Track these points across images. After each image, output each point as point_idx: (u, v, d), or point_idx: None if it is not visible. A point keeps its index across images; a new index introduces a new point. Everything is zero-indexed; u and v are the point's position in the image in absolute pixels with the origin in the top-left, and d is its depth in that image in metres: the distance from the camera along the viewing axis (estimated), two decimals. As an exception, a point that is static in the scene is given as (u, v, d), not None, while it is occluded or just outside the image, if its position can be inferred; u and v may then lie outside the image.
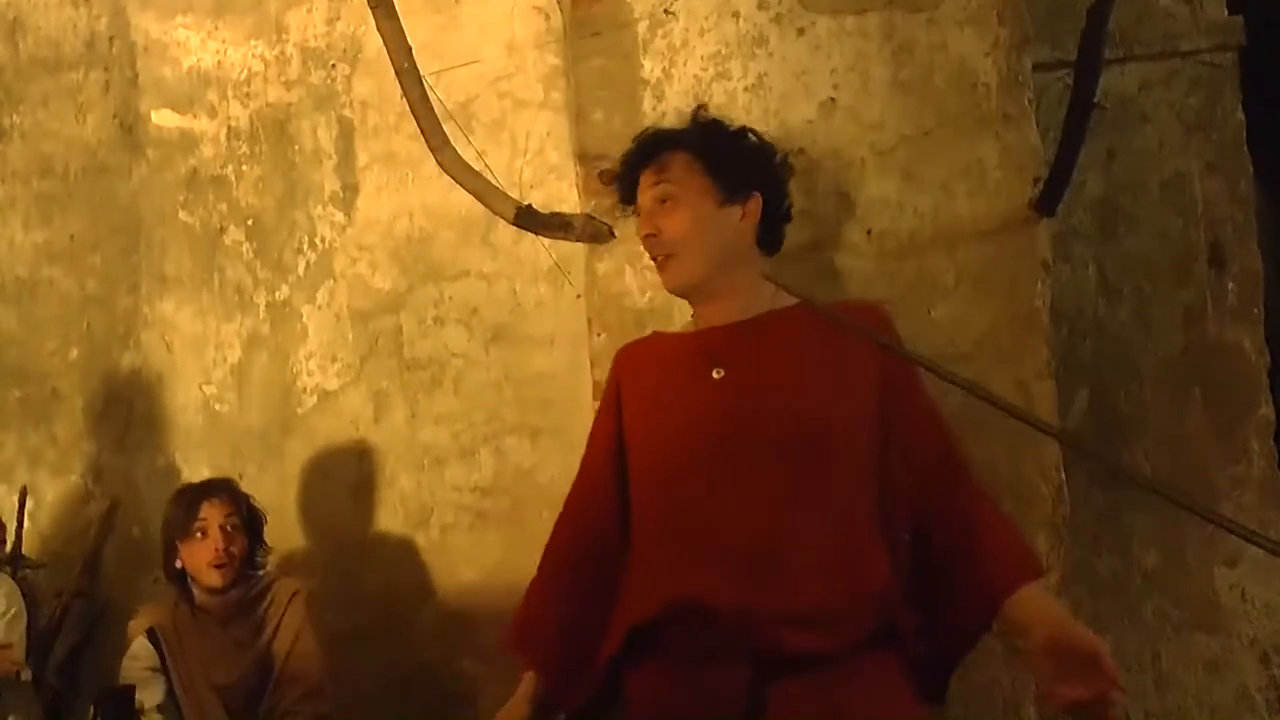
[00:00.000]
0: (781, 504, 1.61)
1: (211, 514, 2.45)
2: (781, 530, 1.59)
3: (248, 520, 2.50)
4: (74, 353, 2.98)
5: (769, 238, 1.79)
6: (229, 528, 2.45)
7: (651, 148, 1.77)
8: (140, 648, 2.44)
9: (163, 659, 2.42)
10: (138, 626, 2.48)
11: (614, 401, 1.80)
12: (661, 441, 1.70)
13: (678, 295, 1.80)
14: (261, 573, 2.54)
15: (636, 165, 1.78)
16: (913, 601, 1.64)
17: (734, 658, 1.55)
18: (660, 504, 1.68)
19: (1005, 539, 1.67)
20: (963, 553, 1.64)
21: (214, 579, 2.43)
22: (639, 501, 1.72)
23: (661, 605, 1.61)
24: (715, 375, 1.68)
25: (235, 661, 2.44)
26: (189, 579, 2.48)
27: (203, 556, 2.43)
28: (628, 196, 1.81)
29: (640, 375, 1.80)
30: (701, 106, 1.87)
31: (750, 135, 1.81)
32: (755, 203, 1.74)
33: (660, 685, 1.63)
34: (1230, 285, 2.64)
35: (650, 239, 1.74)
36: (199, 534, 2.44)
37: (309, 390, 2.85)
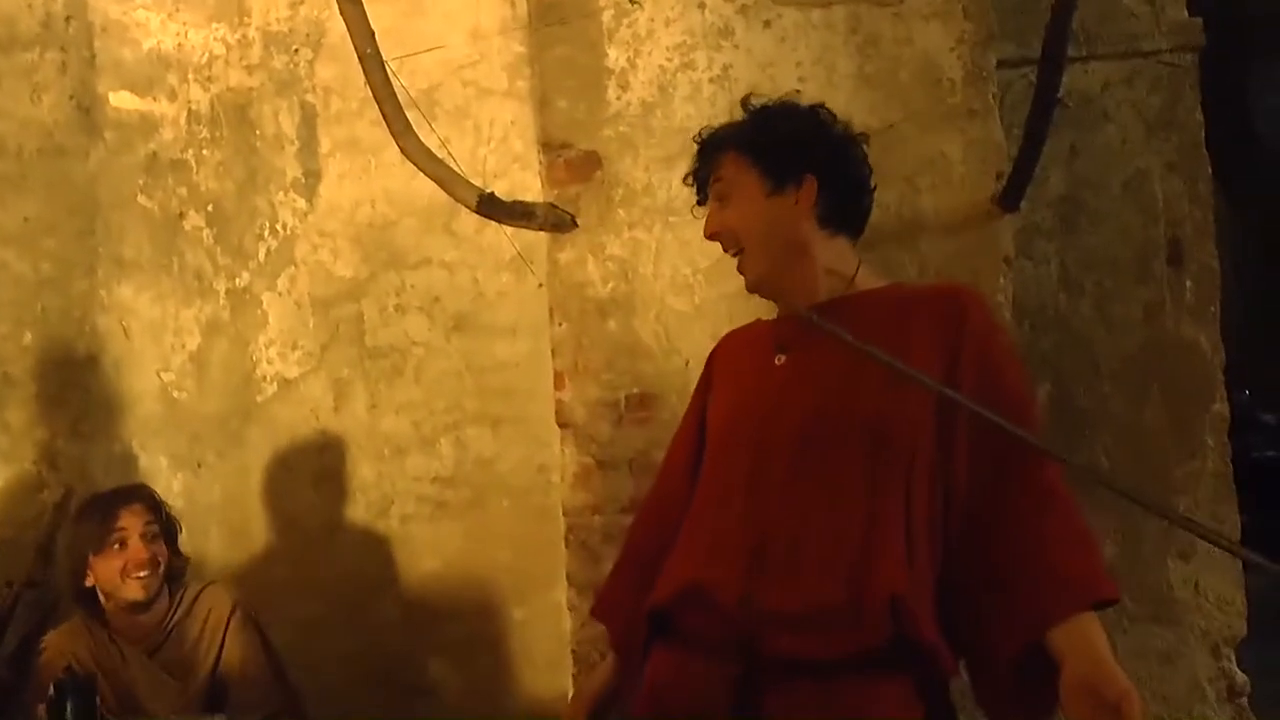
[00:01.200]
0: (808, 497, 1.55)
1: (131, 522, 2.23)
2: (801, 525, 1.54)
3: (165, 528, 2.30)
4: (28, 337, 2.91)
5: (837, 217, 1.68)
6: (149, 536, 2.24)
7: (707, 151, 1.73)
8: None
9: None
10: (51, 665, 2.17)
11: (704, 389, 1.80)
12: (721, 427, 1.70)
13: (756, 293, 1.71)
14: (181, 582, 2.33)
15: (700, 171, 1.74)
16: (956, 617, 1.53)
17: (728, 654, 1.52)
18: (706, 493, 1.67)
19: (1065, 557, 1.50)
20: (1014, 568, 1.50)
21: (135, 591, 2.21)
22: (698, 490, 1.71)
23: (676, 590, 1.59)
24: (777, 361, 1.66)
25: (173, 691, 2.23)
26: (100, 598, 2.25)
27: (120, 568, 2.20)
28: (703, 201, 1.75)
29: (727, 363, 1.79)
30: (750, 95, 1.77)
31: (802, 116, 1.71)
32: (809, 186, 1.65)
33: (665, 673, 1.61)
34: (1188, 283, 2.68)
35: (715, 238, 1.70)
36: (116, 545, 2.21)
37: (269, 378, 2.82)
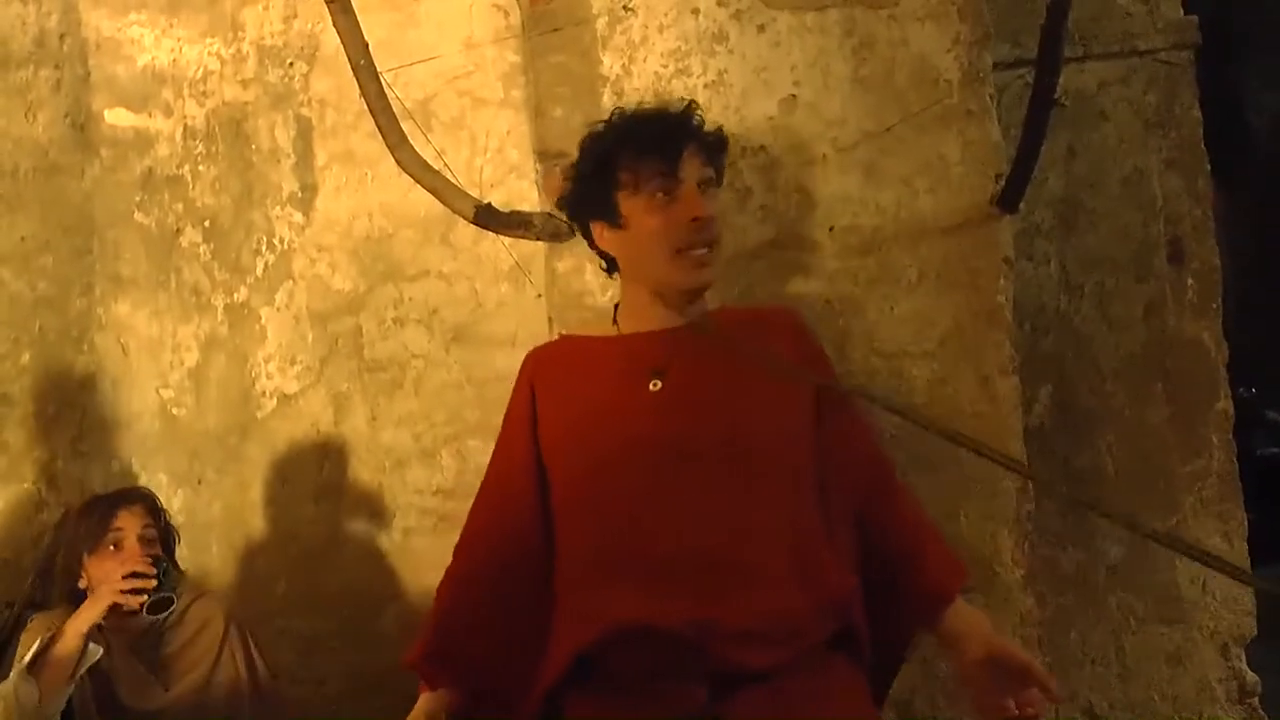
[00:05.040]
0: (734, 517, 1.58)
1: (129, 523, 2.24)
2: (737, 544, 1.56)
3: (164, 535, 2.30)
4: (25, 356, 2.90)
5: None
6: (146, 539, 2.24)
7: (693, 130, 1.70)
8: None
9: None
10: (33, 633, 2.16)
11: (528, 410, 1.73)
12: (598, 458, 1.65)
13: (699, 291, 1.71)
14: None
15: (684, 137, 1.68)
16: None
17: (689, 677, 1.52)
18: (601, 523, 1.63)
19: (941, 547, 1.73)
20: (904, 559, 1.67)
21: (127, 597, 2.15)
22: (571, 519, 1.66)
23: (606, 628, 1.56)
24: (653, 388, 1.64)
25: (154, 689, 2.20)
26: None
27: (115, 569, 2.16)
28: (670, 171, 1.66)
29: (559, 383, 1.73)
30: (693, 101, 1.79)
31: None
32: None
33: (607, 710, 1.58)
34: (1189, 280, 2.67)
35: (705, 222, 1.66)
36: (112, 545, 2.21)
37: (268, 393, 2.80)
